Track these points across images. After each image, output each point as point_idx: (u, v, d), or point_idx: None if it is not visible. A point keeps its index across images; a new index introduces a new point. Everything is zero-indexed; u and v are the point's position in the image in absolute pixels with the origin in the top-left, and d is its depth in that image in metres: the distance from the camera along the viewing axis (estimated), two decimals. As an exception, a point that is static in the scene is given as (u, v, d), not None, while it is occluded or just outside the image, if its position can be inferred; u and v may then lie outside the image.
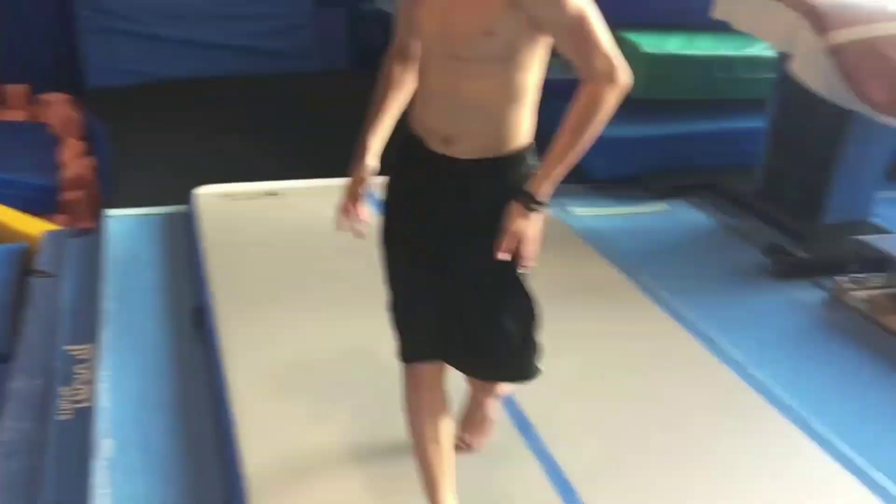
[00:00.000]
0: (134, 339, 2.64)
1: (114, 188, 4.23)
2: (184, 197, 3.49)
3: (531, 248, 1.63)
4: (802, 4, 3.08)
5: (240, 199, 3.45)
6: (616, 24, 3.92)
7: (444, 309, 1.77)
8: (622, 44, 3.91)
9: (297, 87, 5.83)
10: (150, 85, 5.71)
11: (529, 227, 1.62)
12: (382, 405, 2.17)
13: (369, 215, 1.79)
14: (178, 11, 5.92)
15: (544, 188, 1.64)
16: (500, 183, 1.66)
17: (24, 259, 3.24)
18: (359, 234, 1.80)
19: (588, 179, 4.00)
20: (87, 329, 2.70)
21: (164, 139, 4.79)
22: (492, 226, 1.62)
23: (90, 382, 2.44)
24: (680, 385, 2.48)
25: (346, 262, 3.02)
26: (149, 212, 3.50)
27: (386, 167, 1.79)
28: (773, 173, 3.74)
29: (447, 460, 1.83)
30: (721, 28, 3.66)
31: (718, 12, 3.58)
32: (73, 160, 5.18)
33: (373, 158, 1.77)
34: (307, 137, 4.93)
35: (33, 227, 3.52)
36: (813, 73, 3.02)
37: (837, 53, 2.94)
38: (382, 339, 2.56)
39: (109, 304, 2.79)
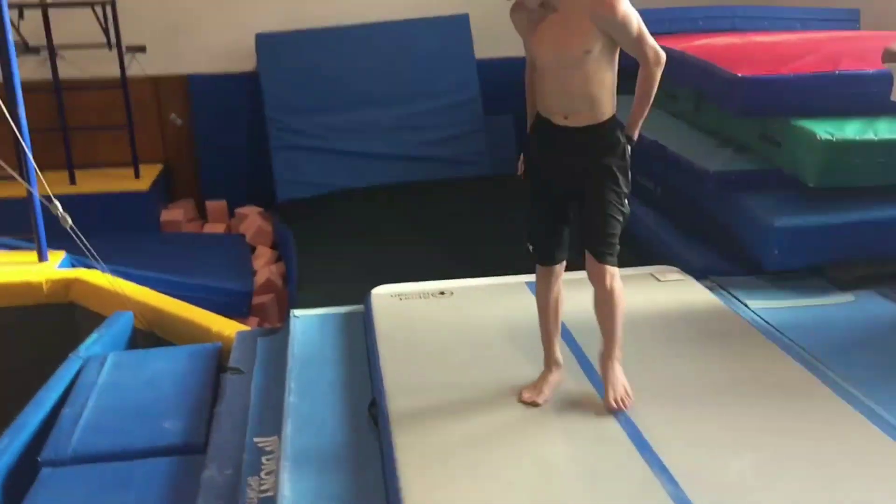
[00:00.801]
0: (314, 431, 2.77)
1: (299, 291, 4.53)
2: (362, 297, 3.67)
3: (616, 173, 2.64)
4: None
5: (412, 299, 3.59)
6: (790, 112, 3.91)
7: (577, 215, 2.72)
8: (795, 132, 3.85)
9: (468, 191, 6.07)
10: (332, 195, 6.10)
11: (614, 160, 2.63)
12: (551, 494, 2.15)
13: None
14: (357, 127, 6.36)
15: (635, 132, 2.70)
16: (600, 139, 2.63)
17: (220, 357, 3.50)
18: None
19: (764, 271, 3.86)
20: (272, 422, 2.87)
21: (345, 244, 5.10)
22: (598, 164, 2.62)
23: (274, 473, 2.58)
24: (871, 488, 2.30)
25: (511, 355, 3.07)
26: (330, 311, 3.70)
27: (528, 133, 2.78)
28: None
29: (557, 319, 2.88)
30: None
31: (897, 94, 3.43)
32: (264, 267, 5.60)
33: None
34: (478, 239, 5.09)
35: (228, 327, 3.81)
36: None
37: None
38: (548, 432, 2.61)
39: (292, 398, 2.95)
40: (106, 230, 5.75)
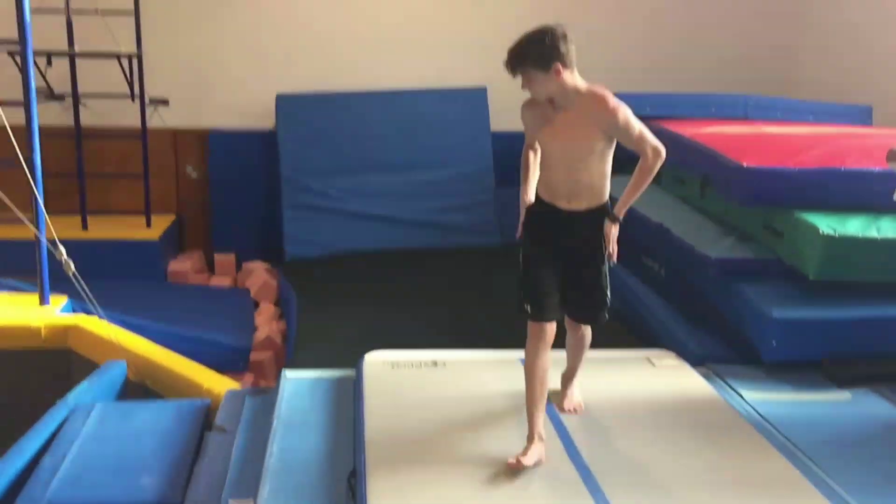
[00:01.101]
0: (290, 496, 2.74)
1: (296, 350, 4.52)
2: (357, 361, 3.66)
3: (613, 243, 2.98)
4: None
5: (405, 367, 3.58)
6: (794, 204, 3.92)
7: (568, 283, 3.04)
8: (797, 225, 3.86)
9: (477, 260, 6.09)
10: (341, 256, 6.13)
11: (615, 232, 2.97)
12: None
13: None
14: (370, 190, 6.43)
15: (622, 212, 2.96)
16: (598, 220, 2.98)
17: (207, 414, 3.48)
18: None
19: (762, 362, 3.83)
20: (250, 484, 2.84)
21: (348, 306, 5.09)
22: (595, 241, 2.98)
23: (246, 537, 2.55)
24: None
25: (497, 432, 3.04)
26: (322, 375, 3.69)
27: (529, 211, 3.08)
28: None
29: (544, 389, 3.00)
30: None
31: (899, 194, 3.45)
32: (266, 323, 5.60)
33: (530, 195, 3.07)
34: (482, 308, 5.08)
35: (219, 384, 3.80)
36: None
37: None
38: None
39: (272, 461, 2.93)
40: (114, 277, 5.81)
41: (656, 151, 2.85)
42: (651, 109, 5.49)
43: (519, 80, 2.88)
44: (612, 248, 2.97)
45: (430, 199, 6.48)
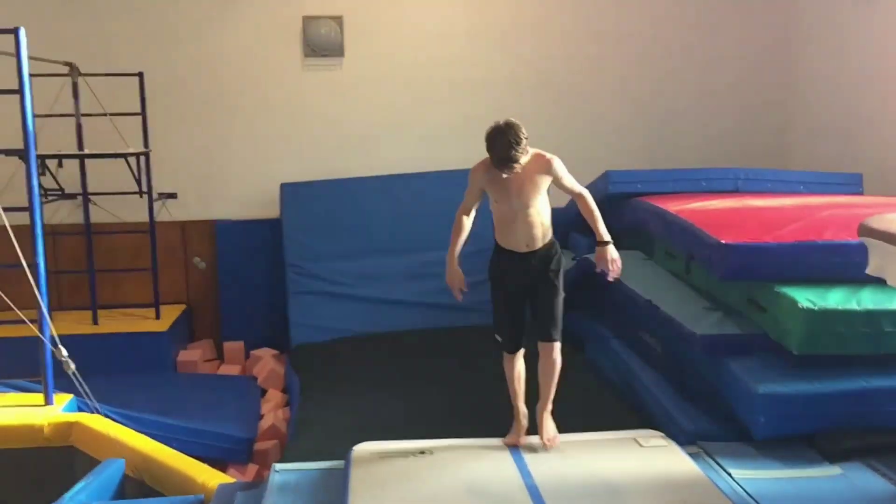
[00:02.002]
0: None
1: (293, 440, 4.57)
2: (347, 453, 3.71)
3: (618, 262, 3.74)
4: (953, 261, 2.95)
5: (393, 457, 3.61)
6: (773, 279, 3.96)
7: (531, 311, 3.80)
8: (778, 299, 3.89)
9: (481, 339, 6.08)
10: (346, 340, 6.20)
11: (614, 253, 3.74)
12: None
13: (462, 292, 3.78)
14: (373, 274, 6.54)
15: (604, 234, 3.73)
16: (552, 254, 3.74)
17: (199, 510, 3.54)
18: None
19: (749, 439, 3.82)
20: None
21: (349, 392, 5.13)
22: (549, 271, 3.72)
23: None
24: None
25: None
26: (311, 467, 3.73)
27: (491, 259, 3.83)
28: (957, 436, 3.40)
29: (521, 384, 3.86)
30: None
31: (871, 268, 3.46)
32: (271, 412, 5.66)
33: (456, 263, 3.79)
34: (484, 388, 5.09)
35: (214, 478, 3.86)
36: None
37: None
38: None
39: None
40: (124, 370, 5.97)
41: (586, 192, 3.74)
42: (642, 186, 5.62)
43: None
44: (615, 267, 3.72)
45: (432, 280, 6.52)
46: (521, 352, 3.85)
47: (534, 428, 3.90)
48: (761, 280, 4.05)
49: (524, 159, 3.50)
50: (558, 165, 3.65)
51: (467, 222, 3.75)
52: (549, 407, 3.85)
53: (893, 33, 5.75)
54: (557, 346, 3.78)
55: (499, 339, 3.83)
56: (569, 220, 6.12)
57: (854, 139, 6.21)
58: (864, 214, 4.01)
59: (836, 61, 6.43)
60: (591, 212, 3.71)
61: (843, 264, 3.95)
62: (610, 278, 3.78)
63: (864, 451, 3.70)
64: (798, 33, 6.93)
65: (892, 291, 3.75)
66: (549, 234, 3.73)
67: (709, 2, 7.04)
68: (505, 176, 3.51)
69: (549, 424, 3.84)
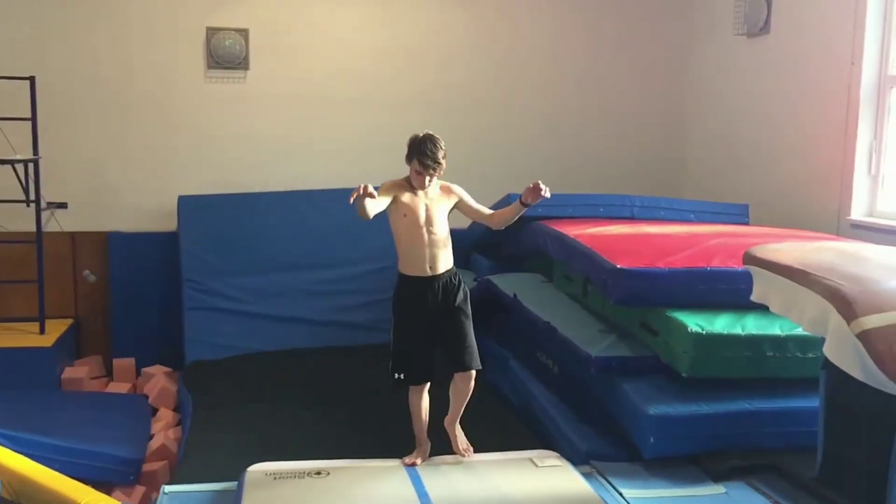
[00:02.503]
0: None
1: (184, 461, 4.43)
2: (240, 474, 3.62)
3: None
4: (829, 290, 3.12)
5: (287, 478, 3.56)
6: (665, 303, 4.10)
7: (443, 342, 3.86)
8: (670, 323, 4.03)
9: (380, 357, 6.06)
10: (242, 358, 6.06)
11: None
12: None
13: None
14: (272, 291, 6.44)
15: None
16: (455, 279, 3.84)
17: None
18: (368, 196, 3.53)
19: (640, 458, 3.93)
20: None
21: (244, 411, 5.02)
22: (456, 295, 3.82)
23: None
24: None
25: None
26: (203, 488, 3.64)
27: (395, 291, 3.87)
28: (831, 457, 3.58)
29: (425, 414, 3.92)
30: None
31: (755, 295, 3.65)
32: (161, 431, 5.49)
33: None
34: (384, 409, 5.07)
35: (99, 501, 3.69)
36: (845, 356, 2.99)
37: (866, 338, 2.92)
38: None
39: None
40: (4, 387, 5.67)
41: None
42: (543, 210, 5.70)
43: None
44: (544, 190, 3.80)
45: (334, 298, 6.52)
46: (425, 386, 3.90)
47: (441, 446, 3.96)
48: (654, 304, 4.18)
49: (439, 173, 3.75)
50: (461, 189, 3.92)
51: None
52: (458, 420, 3.98)
53: (777, 70, 6.08)
54: (474, 372, 3.89)
55: (400, 377, 3.83)
56: (471, 241, 6.23)
57: (741, 171, 6.51)
58: (749, 243, 4.21)
59: (725, 95, 6.74)
60: (504, 212, 3.94)
61: (730, 291, 4.12)
62: (546, 194, 3.79)
63: (747, 471, 3.85)
64: (691, 68, 7.24)
65: (774, 318, 3.93)
66: (451, 261, 3.86)
67: (610, 37, 7.27)
68: (419, 191, 3.76)
69: (461, 436, 3.98)
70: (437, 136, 3.74)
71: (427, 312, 3.78)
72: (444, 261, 3.81)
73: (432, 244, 3.77)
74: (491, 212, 3.97)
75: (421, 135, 3.74)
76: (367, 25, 6.92)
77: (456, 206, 3.89)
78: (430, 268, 3.77)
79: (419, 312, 3.79)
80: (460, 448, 3.95)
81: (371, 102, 6.90)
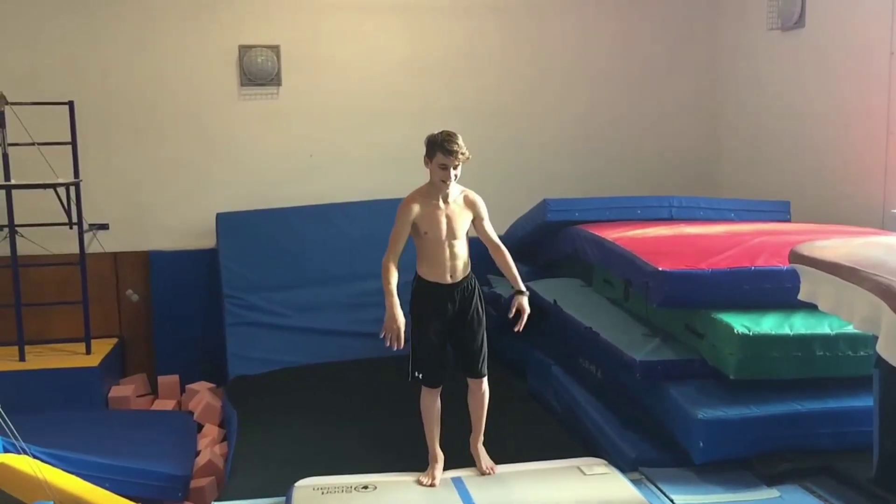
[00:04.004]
0: None
1: (231, 477, 4.45)
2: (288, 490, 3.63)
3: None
4: (880, 286, 3.04)
5: (334, 493, 3.56)
6: (709, 305, 4.04)
7: (456, 346, 3.88)
8: (715, 325, 3.97)
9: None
10: (284, 372, 6.09)
11: (526, 304, 3.84)
12: None
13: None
14: (311, 304, 6.47)
15: (521, 285, 3.88)
16: (472, 285, 3.85)
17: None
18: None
19: (689, 463, 3.86)
20: None
21: (289, 426, 5.02)
22: (474, 302, 3.84)
23: None
24: None
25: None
26: (251, 504, 3.65)
27: (414, 293, 3.87)
28: (888, 457, 3.49)
29: (437, 423, 3.89)
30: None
31: (803, 294, 3.58)
32: (208, 447, 5.52)
33: (399, 308, 3.73)
34: (421, 425, 5.05)
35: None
36: (899, 354, 2.91)
37: (921, 335, 2.85)
38: None
39: None
40: (53, 408, 5.76)
41: (502, 244, 3.91)
42: (580, 214, 5.68)
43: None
44: (524, 317, 3.82)
45: (372, 310, 6.48)
46: (439, 389, 3.89)
47: (467, 461, 3.94)
48: (697, 306, 4.12)
49: (459, 170, 3.69)
50: (483, 206, 3.85)
51: (394, 269, 3.77)
52: (482, 438, 3.95)
53: (814, 63, 5.98)
54: (486, 378, 3.90)
55: (419, 376, 3.85)
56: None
57: (780, 167, 6.41)
58: (793, 241, 4.15)
59: (760, 91, 6.65)
60: (508, 263, 3.85)
61: (776, 290, 4.05)
62: (516, 328, 3.85)
63: (801, 474, 3.78)
64: (725, 64, 7.15)
65: (823, 316, 3.86)
66: (469, 267, 3.85)
67: (640, 35, 7.21)
68: (439, 203, 3.73)
69: (484, 454, 3.94)
70: (455, 134, 3.69)
71: (443, 317, 3.79)
72: (464, 269, 3.81)
73: (453, 257, 3.76)
74: (499, 245, 3.88)
75: (437, 132, 3.70)
76: (394, 37, 6.94)
77: (473, 224, 3.84)
78: (451, 276, 3.77)
79: (436, 315, 3.79)
80: (484, 468, 3.89)
81: (401, 113, 6.91)
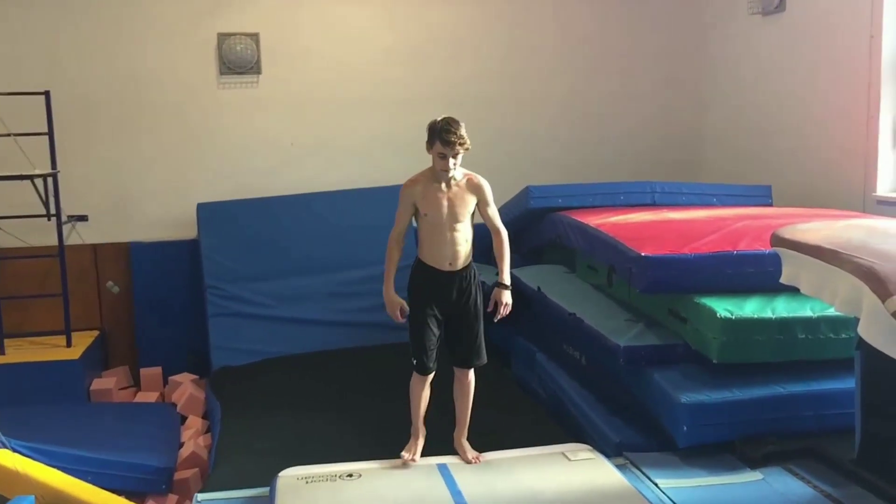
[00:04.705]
0: None
1: (215, 468, 4.43)
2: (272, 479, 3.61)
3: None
4: (861, 268, 3.05)
5: (319, 481, 3.54)
6: (693, 290, 4.04)
7: (451, 334, 3.84)
8: (698, 309, 3.98)
9: (400, 357, 6.05)
10: (267, 362, 6.06)
11: (508, 298, 3.80)
12: None
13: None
14: (294, 294, 6.43)
15: (507, 280, 3.79)
16: (471, 276, 3.78)
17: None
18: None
19: (673, 447, 3.88)
20: None
21: (272, 416, 5.01)
22: (470, 292, 3.77)
23: None
24: None
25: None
26: (237, 495, 3.63)
27: (412, 277, 3.82)
28: (870, 438, 3.52)
29: (424, 404, 3.86)
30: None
31: (785, 277, 3.59)
32: (191, 439, 5.49)
33: (393, 290, 3.81)
34: (405, 412, 5.05)
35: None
36: (881, 335, 2.92)
37: (902, 316, 2.85)
38: None
39: None
40: (34, 401, 5.70)
41: (504, 231, 3.81)
42: (563, 201, 5.68)
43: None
44: (505, 310, 3.79)
45: (355, 299, 6.49)
46: (430, 377, 3.85)
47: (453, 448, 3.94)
48: (681, 291, 4.13)
49: (463, 150, 3.63)
50: (488, 190, 3.76)
51: (398, 249, 3.80)
52: (465, 433, 3.92)
53: (794, 47, 5.99)
54: (472, 369, 3.88)
55: (414, 361, 3.82)
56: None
57: (762, 152, 6.42)
58: (775, 225, 4.16)
59: (742, 76, 6.66)
60: (503, 253, 3.80)
61: (758, 274, 4.07)
62: (496, 319, 3.84)
63: (784, 456, 3.80)
64: (706, 49, 7.15)
65: (805, 299, 3.88)
66: (470, 257, 3.79)
67: (623, 20, 7.20)
68: (441, 185, 3.68)
69: (468, 447, 3.90)
70: (457, 120, 3.64)
71: (440, 304, 3.75)
72: (465, 257, 3.74)
73: (454, 242, 3.69)
74: (499, 231, 3.81)
75: (439, 118, 3.64)
76: (375, 25, 6.89)
77: (477, 207, 3.79)
78: (450, 263, 3.71)
79: (433, 301, 3.74)
80: (470, 458, 3.85)
81: (383, 101, 6.87)
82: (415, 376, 3.86)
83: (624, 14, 7.19)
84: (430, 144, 3.66)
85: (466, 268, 3.76)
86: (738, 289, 4.11)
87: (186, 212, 6.62)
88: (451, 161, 3.60)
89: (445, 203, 3.67)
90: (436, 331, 3.78)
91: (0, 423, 4.23)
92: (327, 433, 4.62)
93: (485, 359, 3.88)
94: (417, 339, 3.76)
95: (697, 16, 7.19)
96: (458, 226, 3.68)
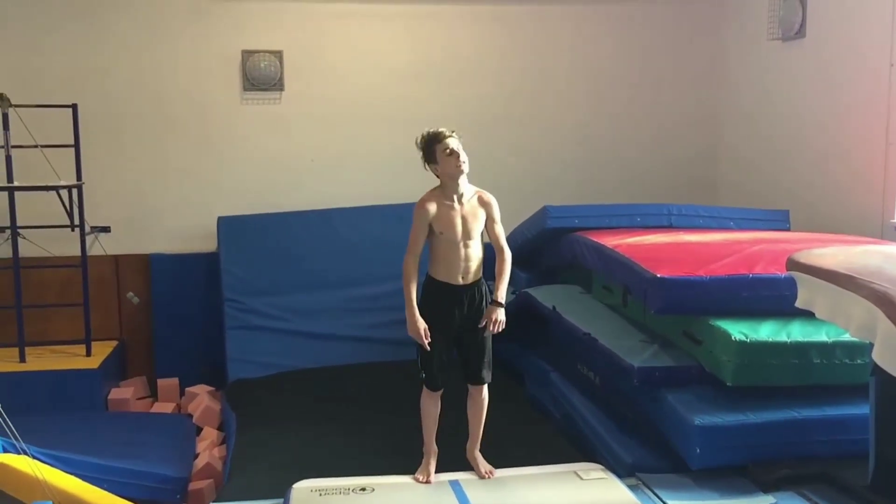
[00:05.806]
0: None
1: (230, 479, 4.47)
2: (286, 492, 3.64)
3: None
4: (876, 294, 3.06)
5: (332, 494, 3.57)
6: (707, 312, 4.05)
7: (462, 350, 3.90)
8: (713, 332, 3.99)
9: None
10: (283, 376, 6.10)
11: (501, 315, 3.79)
12: None
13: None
14: (311, 308, 6.48)
15: (502, 298, 3.79)
16: (482, 291, 3.84)
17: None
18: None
19: (686, 469, 3.88)
20: None
21: (287, 429, 5.04)
22: (481, 306, 3.82)
23: None
24: None
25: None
26: (249, 506, 3.66)
27: (424, 293, 3.85)
28: (884, 464, 3.51)
29: (435, 422, 3.91)
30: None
31: (800, 301, 3.60)
32: (207, 450, 5.54)
33: (417, 312, 3.78)
34: (419, 428, 5.07)
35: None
36: (895, 361, 2.93)
37: (917, 342, 2.86)
38: None
39: None
40: (53, 409, 5.77)
41: (508, 251, 3.87)
42: (580, 221, 5.70)
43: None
44: (497, 328, 3.80)
45: (371, 315, 6.54)
46: (440, 393, 3.90)
47: (465, 464, 3.96)
48: (696, 313, 4.14)
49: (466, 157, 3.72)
50: (496, 207, 3.84)
51: (415, 268, 3.80)
52: (479, 446, 3.96)
53: (814, 73, 6.01)
54: (486, 385, 3.91)
55: (423, 375, 3.88)
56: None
57: (780, 177, 6.43)
58: (791, 249, 4.16)
59: (761, 101, 6.68)
60: (503, 271, 3.82)
61: (774, 297, 4.07)
62: (485, 334, 3.86)
63: (797, 481, 3.79)
64: (725, 74, 7.18)
65: (820, 324, 3.88)
66: (481, 272, 3.85)
67: (641, 43, 7.25)
68: (454, 203, 3.74)
69: (482, 460, 3.95)
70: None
71: (451, 319, 3.79)
72: (476, 271, 3.81)
73: (468, 258, 3.76)
74: (503, 249, 3.86)
75: (425, 131, 3.79)
76: (397, 45, 6.98)
77: (490, 218, 3.85)
78: (462, 278, 3.77)
79: (444, 317, 3.78)
80: (483, 472, 3.89)
81: (403, 119, 6.92)
82: (425, 392, 3.91)
83: (643, 38, 7.24)
84: (430, 158, 3.76)
85: (477, 282, 3.82)
86: (754, 312, 4.12)
87: (207, 225, 6.71)
88: (462, 155, 3.69)
89: (459, 221, 3.74)
90: (447, 347, 3.82)
91: (20, 430, 4.29)
92: (341, 446, 4.65)
93: (488, 376, 3.92)
94: (428, 354, 3.79)
95: (718, 40, 7.23)
96: (471, 242, 3.77)
